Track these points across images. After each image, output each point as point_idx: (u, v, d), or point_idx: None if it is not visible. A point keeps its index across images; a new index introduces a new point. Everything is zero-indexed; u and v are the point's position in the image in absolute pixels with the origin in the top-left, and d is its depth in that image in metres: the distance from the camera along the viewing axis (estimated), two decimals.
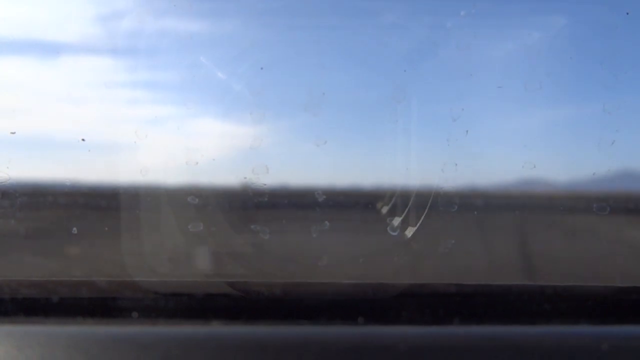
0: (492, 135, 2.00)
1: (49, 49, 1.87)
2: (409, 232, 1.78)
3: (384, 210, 2.02)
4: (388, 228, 1.83)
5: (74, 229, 1.61)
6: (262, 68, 1.72)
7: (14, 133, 1.77)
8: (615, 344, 1.14)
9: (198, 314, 1.25)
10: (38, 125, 2.15)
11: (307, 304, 1.29)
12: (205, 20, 1.81)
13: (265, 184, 1.85)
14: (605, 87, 1.67)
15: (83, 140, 1.74)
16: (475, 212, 1.90)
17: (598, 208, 1.70)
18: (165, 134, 2.03)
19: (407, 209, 1.84)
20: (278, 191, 1.93)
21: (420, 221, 1.76)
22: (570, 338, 1.18)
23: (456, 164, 1.89)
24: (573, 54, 1.72)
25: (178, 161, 1.95)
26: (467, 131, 1.83)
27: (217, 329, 1.22)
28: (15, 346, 1.10)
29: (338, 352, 1.12)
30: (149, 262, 1.54)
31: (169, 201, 1.77)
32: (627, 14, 1.62)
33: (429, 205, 1.76)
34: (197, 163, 1.89)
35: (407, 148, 1.95)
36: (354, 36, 1.85)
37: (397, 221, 1.87)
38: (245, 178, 1.95)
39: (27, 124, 2.12)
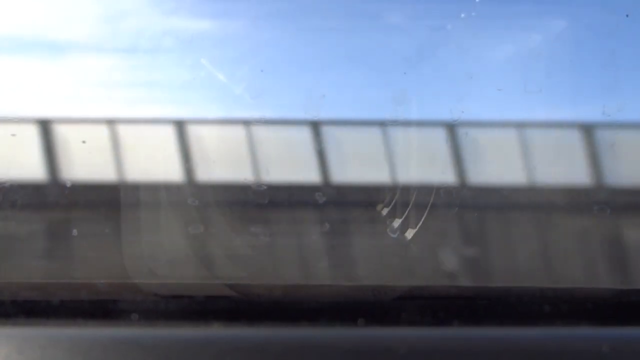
0: (491, 136, 2.00)
1: (52, 48, 1.88)
2: (409, 233, 1.78)
3: (384, 210, 2.02)
4: (388, 229, 1.83)
5: (74, 230, 1.61)
6: (262, 70, 1.72)
7: (14, 135, 1.78)
8: (615, 346, 1.14)
9: (198, 316, 1.25)
10: (38, 123, 2.15)
11: (307, 306, 1.29)
12: (205, 22, 1.81)
13: (265, 185, 1.85)
14: (605, 89, 1.67)
15: (84, 142, 1.75)
16: (475, 213, 1.90)
17: (598, 208, 1.71)
18: (166, 134, 2.03)
19: (407, 210, 1.84)
20: (279, 192, 1.94)
21: (420, 222, 1.76)
22: (570, 340, 1.18)
23: (456, 165, 1.89)
24: (573, 56, 1.73)
25: (178, 162, 1.95)
26: (466, 133, 1.83)
27: (218, 331, 1.22)
28: (16, 348, 1.10)
29: (338, 355, 1.12)
30: (149, 264, 1.55)
31: (169, 202, 1.77)
32: (627, 16, 1.62)
33: (429, 206, 1.76)
34: (197, 164, 1.89)
35: (407, 149, 1.95)
36: (354, 38, 1.86)
37: (397, 222, 1.87)
38: (245, 179, 1.95)
39: (27, 123, 2.12)
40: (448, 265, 1.68)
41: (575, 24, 1.75)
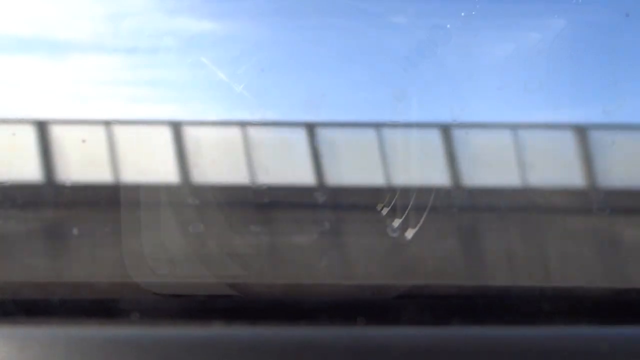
0: (491, 136, 2.00)
1: (53, 47, 1.88)
2: (409, 233, 1.78)
3: (384, 210, 2.02)
4: (388, 229, 1.84)
5: (74, 229, 1.61)
6: (262, 69, 1.73)
7: (14, 134, 1.78)
8: (614, 345, 1.15)
9: (199, 315, 1.25)
10: (38, 124, 2.15)
11: (307, 305, 1.29)
12: (206, 21, 1.81)
13: (265, 184, 1.86)
14: (604, 88, 1.67)
15: (84, 141, 1.75)
16: (475, 212, 1.90)
17: (598, 207, 1.71)
18: (166, 133, 2.03)
19: (407, 210, 1.84)
20: (278, 191, 1.94)
21: (421, 222, 1.76)
22: (569, 339, 1.19)
23: (456, 164, 1.89)
24: (573, 55, 1.73)
25: (178, 161, 1.95)
26: (466, 132, 1.83)
27: (218, 330, 1.22)
28: (17, 347, 1.11)
29: (338, 353, 1.12)
30: (150, 263, 1.55)
31: (170, 201, 1.77)
32: (627, 15, 1.62)
33: (429, 205, 1.77)
34: (197, 163, 1.89)
35: (407, 148, 1.95)
36: (354, 36, 1.86)
37: (397, 222, 1.87)
38: (245, 178, 1.96)
39: (27, 123, 2.12)
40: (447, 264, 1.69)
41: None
